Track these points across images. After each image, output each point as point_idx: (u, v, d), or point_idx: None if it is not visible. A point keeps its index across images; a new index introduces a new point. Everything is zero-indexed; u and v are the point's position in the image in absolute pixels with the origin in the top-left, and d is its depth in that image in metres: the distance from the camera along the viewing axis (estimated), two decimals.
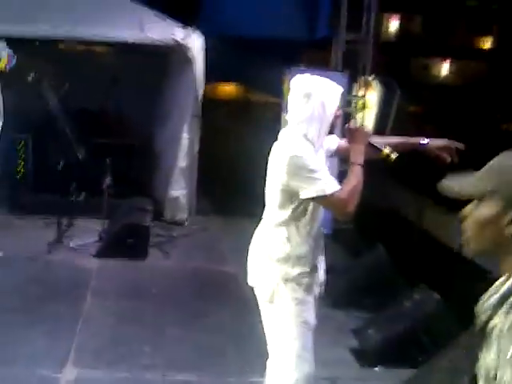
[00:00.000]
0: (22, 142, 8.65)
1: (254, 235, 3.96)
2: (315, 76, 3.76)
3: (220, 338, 5.53)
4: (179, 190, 8.78)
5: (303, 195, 3.42)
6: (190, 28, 8.48)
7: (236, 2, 12.46)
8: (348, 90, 9.07)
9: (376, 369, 5.11)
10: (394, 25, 29.01)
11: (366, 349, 5.27)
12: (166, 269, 7.22)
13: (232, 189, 9.92)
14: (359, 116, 9.47)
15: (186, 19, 9.22)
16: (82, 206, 8.28)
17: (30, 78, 6.91)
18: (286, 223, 3.60)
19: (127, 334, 5.44)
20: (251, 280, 3.90)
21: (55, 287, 6.27)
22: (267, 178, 3.72)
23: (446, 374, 4.41)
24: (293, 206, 3.55)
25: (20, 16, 7.71)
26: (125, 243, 7.21)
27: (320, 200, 3.45)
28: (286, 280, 3.60)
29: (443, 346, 4.66)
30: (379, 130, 9.58)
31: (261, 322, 5.63)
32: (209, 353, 5.26)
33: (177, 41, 8.27)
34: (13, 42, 7.74)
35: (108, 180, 7.69)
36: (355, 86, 9.58)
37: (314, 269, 3.68)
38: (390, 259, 6.27)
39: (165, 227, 8.53)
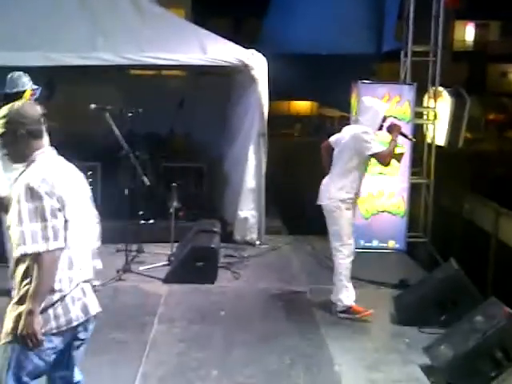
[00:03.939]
0: (90, 170, 8.79)
1: (325, 180, 6.47)
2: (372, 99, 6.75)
3: (288, 358, 5.42)
4: (248, 211, 8.75)
5: (368, 152, 6.16)
6: (251, 49, 8.47)
7: (300, 21, 12.39)
8: (417, 102, 8.92)
9: None
10: (469, 33, 28.45)
11: (437, 366, 5.10)
12: (236, 290, 7.15)
13: (302, 207, 9.83)
14: (430, 126, 9.29)
15: (251, 39, 9.25)
16: (151, 231, 8.33)
17: (93, 107, 6.97)
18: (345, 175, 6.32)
19: (195, 360, 5.37)
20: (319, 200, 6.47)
21: (123, 314, 6.26)
22: (336, 151, 6.44)
23: None
24: (352, 164, 6.28)
25: (84, 45, 7.85)
26: (194, 267, 7.18)
27: (374, 155, 6.20)
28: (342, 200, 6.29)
29: None
30: (452, 139, 9.36)
31: (329, 342, 5.58)
32: (277, 375, 5.16)
33: (240, 60, 8.27)
34: (76, 71, 7.93)
35: (175, 203, 7.71)
36: (425, 97, 9.42)
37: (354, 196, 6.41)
38: (462, 273, 6.06)
39: (235, 248, 8.50)
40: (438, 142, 9.33)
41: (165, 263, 7.62)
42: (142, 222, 8.06)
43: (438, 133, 9.34)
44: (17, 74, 6.14)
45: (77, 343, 3.58)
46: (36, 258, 3.15)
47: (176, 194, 7.78)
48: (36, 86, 6.15)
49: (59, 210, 3.21)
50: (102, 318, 6.05)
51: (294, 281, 7.49)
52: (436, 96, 9.23)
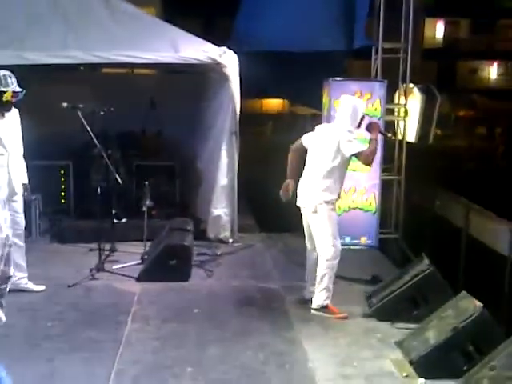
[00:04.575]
0: (63, 169, 8.75)
1: (305, 181, 6.46)
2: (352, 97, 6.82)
3: (262, 355, 5.45)
4: (221, 209, 8.77)
5: (352, 152, 6.13)
6: (223, 46, 8.48)
7: (272, 18, 12.39)
8: (388, 99, 8.99)
9: (421, 380, 5.00)
10: (439, 30, 28.66)
11: (410, 360, 5.17)
12: (209, 288, 7.16)
13: (275, 205, 9.87)
14: (401, 123, 9.38)
15: (222, 38, 9.25)
16: (124, 230, 8.32)
17: (64, 105, 6.95)
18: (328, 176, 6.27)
19: (169, 358, 5.37)
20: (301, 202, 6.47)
21: (96, 313, 6.26)
22: (314, 151, 6.41)
23: (490, 382, 4.29)
24: (335, 164, 6.22)
25: (56, 43, 7.82)
26: (167, 265, 7.19)
27: (357, 154, 6.13)
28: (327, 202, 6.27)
29: (488, 355, 4.55)
30: (423, 135, 9.46)
31: (302, 339, 5.62)
32: (251, 371, 5.18)
33: (212, 58, 8.29)
34: (48, 69, 7.89)
35: (148, 202, 7.70)
36: (396, 94, 9.50)
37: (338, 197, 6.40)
38: (434, 269, 6.15)
39: (208, 246, 8.53)
40: (409, 139, 9.42)
41: (138, 262, 7.62)
42: (115, 220, 8.04)
43: (409, 129, 9.43)
44: (2, 73, 6.05)
45: None
46: None
47: (148, 192, 7.76)
48: (19, 89, 6.07)
49: None
50: (76, 317, 6.11)
51: (267, 278, 7.53)
52: (407, 93, 9.33)
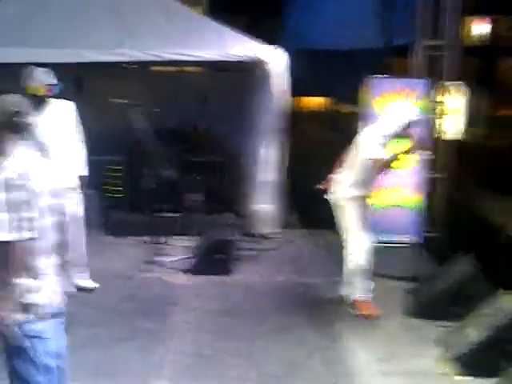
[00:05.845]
0: (117, 165, 8.97)
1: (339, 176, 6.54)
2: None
3: (306, 350, 5.62)
4: (265, 204, 8.93)
5: (367, 155, 6.10)
6: (269, 44, 8.63)
7: (315, 17, 12.53)
8: (429, 96, 9.01)
9: (460, 378, 5.10)
10: (480, 28, 28.34)
11: (451, 358, 5.25)
12: (253, 282, 7.36)
13: (319, 202, 9.99)
14: (444, 121, 9.36)
15: (269, 38, 9.38)
16: (173, 224, 8.53)
17: (119, 102, 7.15)
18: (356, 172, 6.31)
19: (218, 349, 5.58)
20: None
21: (148, 304, 6.53)
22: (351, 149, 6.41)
23: None
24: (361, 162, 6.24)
25: (110, 41, 8.07)
26: (212, 259, 7.44)
27: (372, 159, 6.10)
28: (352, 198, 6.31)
29: None
30: (464, 133, 9.48)
31: (343, 335, 5.72)
32: (296, 366, 5.36)
33: (259, 56, 8.45)
34: (102, 67, 8.12)
35: (198, 197, 7.88)
36: (437, 92, 9.49)
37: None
38: (478, 267, 6.19)
39: (251, 241, 8.68)
40: (450, 136, 9.43)
41: (187, 256, 7.85)
42: (167, 214, 8.24)
43: (450, 127, 9.43)
44: (30, 68, 6.17)
45: (60, 327, 3.70)
46: (6, 246, 3.26)
47: (198, 187, 7.95)
48: (53, 82, 6.18)
49: (31, 202, 3.31)
50: (130, 307, 6.36)
51: (310, 273, 7.66)
52: (447, 91, 9.32)
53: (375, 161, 6.14)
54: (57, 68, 6.40)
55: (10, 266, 3.32)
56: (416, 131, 6.48)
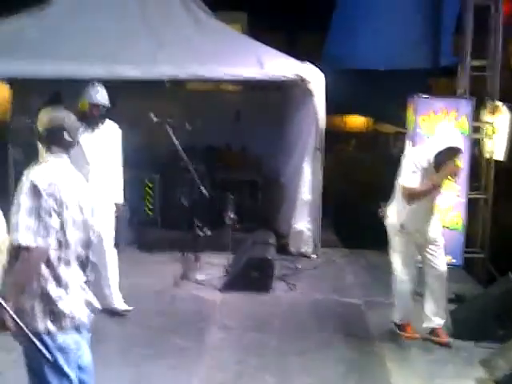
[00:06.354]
0: (150, 182, 8.96)
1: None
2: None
3: (342, 369, 5.48)
4: (304, 223, 8.81)
5: (399, 180, 5.73)
6: (308, 62, 8.55)
7: (359, 36, 12.42)
8: (474, 116, 8.86)
9: None
10: None
11: (494, 379, 5.11)
12: (291, 301, 7.22)
13: (358, 221, 9.84)
14: (488, 142, 9.21)
15: (308, 55, 9.31)
16: (207, 242, 8.46)
17: (154, 119, 7.12)
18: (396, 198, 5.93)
19: (251, 366, 5.47)
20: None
21: (181, 320, 6.41)
22: None
23: None
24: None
25: (145, 58, 8.03)
26: (249, 277, 7.28)
27: (402, 185, 5.69)
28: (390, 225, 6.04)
29: None
30: (511, 155, 9.26)
31: (384, 354, 5.59)
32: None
33: (297, 74, 8.35)
34: (137, 83, 8.10)
35: (231, 215, 7.82)
36: (484, 112, 9.34)
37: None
38: None
39: (290, 260, 8.55)
40: (497, 157, 9.24)
41: (221, 274, 7.75)
42: (199, 232, 8.18)
43: (497, 147, 9.25)
44: (90, 84, 6.20)
45: (84, 340, 3.62)
46: (23, 250, 3.25)
47: (232, 205, 7.89)
48: (104, 103, 6.16)
49: (56, 211, 3.33)
50: (162, 324, 6.26)
51: (349, 293, 7.51)
52: (494, 110, 9.16)
53: (404, 189, 5.72)
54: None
55: (28, 271, 3.31)
56: (454, 160, 5.69)
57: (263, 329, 6.32)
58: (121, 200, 6.47)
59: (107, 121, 6.34)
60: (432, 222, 6.00)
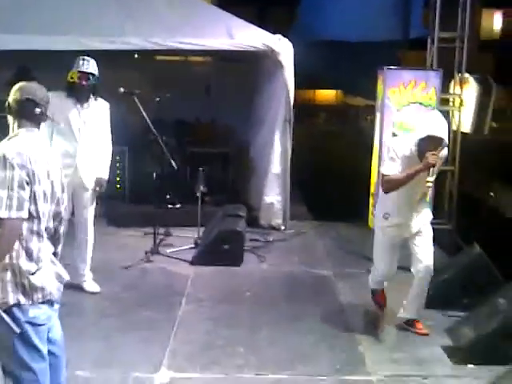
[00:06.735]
0: (119, 155, 8.87)
1: None
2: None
3: (312, 338, 5.54)
4: (274, 196, 8.84)
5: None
6: (278, 34, 8.52)
7: (330, 8, 12.44)
8: (443, 89, 8.90)
9: (470, 366, 5.04)
10: (497, 21, 28.12)
11: (459, 347, 5.20)
12: (261, 273, 7.27)
13: (327, 193, 9.92)
14: (456, 113, 9.26)
15: (279, 27, 9.29)
16: (177, 215, 8.46)
17: (121, 91, 7.05)
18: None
19: (221, 338, 5.50)
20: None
21: (151, 294, 6.42)
22: None
23: None
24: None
25: (113, 30, 7.94)
26: (220, 249, 7.31)
27: (382, 174, 5.42)
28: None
29: None
30: (478, 126, 9.34)
31: (353, 323, 5.67)
32: (301, 353, 5.27)
33: (267, 45, 8.33)
34: (106, 55, 8.01)
35: (202, 188, 7.82)
36: (451, 85, 9.38)
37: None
38: (486, 258, 6.11)
39: (260, 233, 8.59)
40: (464, 129, 9.31)
41: (192, 246, 7.76)
42: (169, 206, 8.18)
43: (464, 120, 9.31)
44: (80, 56, 6.10)
45: (54, 314, 3.63)
46: None
47: (202, 178, 7.88)
48: (92, 71, 6.05)
49: (27, 183, 3.30)
50: (132, 297, 6.28)
51: (319, 265, 7.57)
52: (462, 83, 9.21)
53: (382, 176, 5.49)
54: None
55: (3, 245, 3.28)
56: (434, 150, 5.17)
57: (234, 301, 6.36)
58: (105, 176, 6.33)
59: (98, 99, 6.25)
60: (419, 215, 5.61)
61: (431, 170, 5.13)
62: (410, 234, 5.60)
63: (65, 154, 5.92)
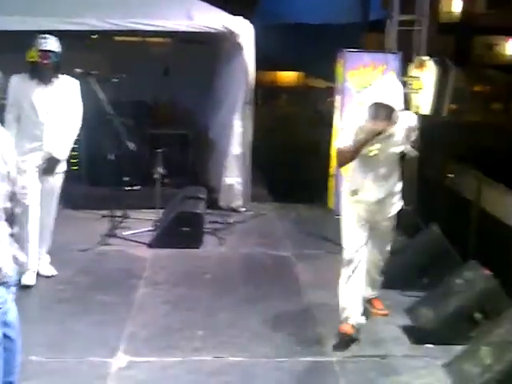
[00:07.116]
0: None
1: None
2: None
3: (271, 320, 5.53)
4: (234, 178, 8.79)
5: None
6: (238, 16, 8.45)
7: None
8: (403, 71, 8.93)
9: (428, 346, 5.08)
10: (456, 5, 28.31)
11: (418, 327, 5.24)
12: (221, 255, 7.24)
13: (288, 175, 9.91)
14: (415, 96, 9.30)
15: (242, 10, 9.20)
16: (136, 198, 8.37)
17: (78, 71, 6.91)
18: None
19: (180, 321, 5.47)
20: None
21: (108, 277, 6.35)
22: None
23: (495, 347, 4.35)
24: None
25: (69, 10, 7.77)
26: (179, 232, 7.24)
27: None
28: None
29: (494, 322, 4.63)
30: (437, 108, 9.40)
31: (312, 305, 5.67)
32: (260, 335, 5.27)
33: (226, 27, 8.26)
34: (64, 36, 7.86)
35: (160, 170, 7.73)
36: (410, 67, 9.41)
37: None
38: (444, 239, 6.16)
39: (220, 215, 8.54)
40: (423, 112, 9.35)
41: (150, 229, 7.67)
42: (127, 188, 8.07)
43: (423, 102, 9.35)
44: (40, 35, 5.92)
45: (10, 296, 3.56)
46: None
47: (161, 160, 7.79)
48: (53, 49, 5.87)
49: None
50: (88, 281, 6.19)
51: (279, 246, 7.56)
52: (421, 65, 9.24)
53: (337, 150, 5.24)
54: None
55: None
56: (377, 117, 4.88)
57: (193, 284, 6.31)
58: (59, 155, 6.11)
59: (63, 76, 6.08)
60: (390, 196, 5.30)
61: (376, 137, 4.87)
62: (375, 220, 5.29)
63: (32, 138, 5.85)
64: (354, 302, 5.18)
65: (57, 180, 6.21)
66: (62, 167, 6.22)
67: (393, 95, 4.85)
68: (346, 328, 5.14)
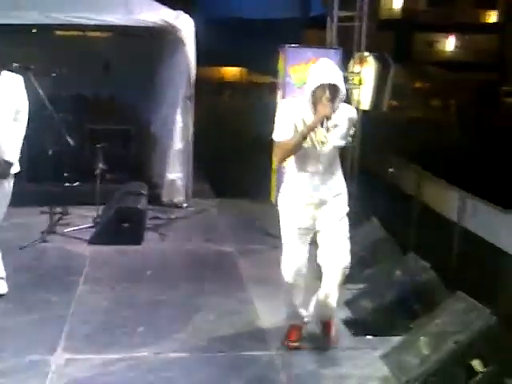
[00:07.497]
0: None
1: None
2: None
3: (213, 315, 5.53)
4: (175, 173, 8.77)
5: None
6: (179, 10, 8.42)
7: None
8: (343, 67, 9.01)
9: (368, 337, 5.15)
10: (396, 1, 28.73)
11: (358, 319, 5.30)
12: (163, 251, 7.19)
13: (230, 170, 9.92)
14: (356, 92, 9.39)
15: (182, 4, 9.16)
16: (76, 194, 8.26)
17: (15, 66, 6.75)
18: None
19: (120, 318, 5.41)
20: None
21: (47, 275, 6.24)
22: None
23: (433, 338, 4.42)
24: None
25: (6, 3, 7.67)
26: (120, 228, 7.17)
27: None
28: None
29: (432, 313, 4.69)
30: (377, 103, 9.51)
31: (255, 300, 5.68)
32: (201, 331, 5.25)
33: (167, 21, 8.22)
34: (3, 31, 7.70)
35: (101, 166, 7.65)
36: (351, 63, 9.51)
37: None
38: (385, 232, 6.24)
39: (162, 210, 8.51)
40: (363, 107, 9.45)
41: (90, 225, 7.58)
42: (67, 184, 7.96)
43: (363, 97, 9.45)
44: None
45: None
46: None
47: (102, 155, 7.70)
48: None
49: None
50: (26, 279, 6.08)
51: (221, 242, 7.56)
52: (362, 61, 9.33)
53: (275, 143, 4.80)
54: None
55: None
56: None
57: (134, 280, 6.25)
58: (11, 158, 5.88)
59: (4, 72, 5.73)
60: (334, 197, 4.82)
61: (325, 123, 4.43)
62: (320, 226, 4.80)
63: None
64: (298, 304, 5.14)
65: (11, 183, 6.01)
66: (16, 168, 6.01)
67: (335, 74, 4.53)
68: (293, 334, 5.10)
